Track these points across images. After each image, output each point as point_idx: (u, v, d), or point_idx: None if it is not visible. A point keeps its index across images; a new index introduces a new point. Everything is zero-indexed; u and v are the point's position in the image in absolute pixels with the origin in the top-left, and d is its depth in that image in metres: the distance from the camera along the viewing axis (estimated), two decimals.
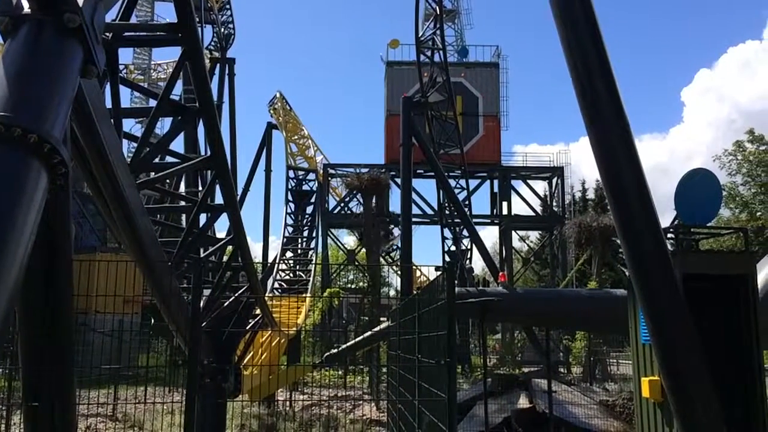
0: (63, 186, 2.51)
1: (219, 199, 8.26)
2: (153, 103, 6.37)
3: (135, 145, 6.44)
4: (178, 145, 23.05)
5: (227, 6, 32.21)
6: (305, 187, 38.44)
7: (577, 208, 42.96)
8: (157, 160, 7.59)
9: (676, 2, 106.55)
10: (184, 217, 10.64)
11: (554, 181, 38.77)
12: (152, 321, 21.02)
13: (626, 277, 5.66)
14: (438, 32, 27.08)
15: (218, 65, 31.05)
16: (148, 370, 17.80)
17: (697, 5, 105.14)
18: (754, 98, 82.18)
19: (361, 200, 34.08)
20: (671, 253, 6.18)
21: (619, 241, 5.43)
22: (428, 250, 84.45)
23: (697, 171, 7.29)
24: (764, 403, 6.75)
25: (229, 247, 9.69)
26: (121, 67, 38.04)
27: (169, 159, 7.58)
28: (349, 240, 49.43)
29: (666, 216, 7.56)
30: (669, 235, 7.11)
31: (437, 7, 26.85)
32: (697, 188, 7.00)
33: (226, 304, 9.62)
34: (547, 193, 40.06)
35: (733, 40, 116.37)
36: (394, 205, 35.39)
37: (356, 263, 39.39)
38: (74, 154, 4.41)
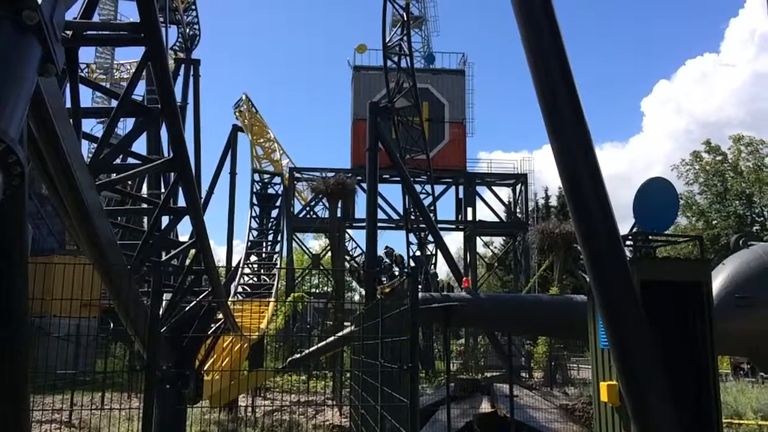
0: (19, 187, 2.45)
1: (182, 201, 8.16)
2: (115, 103, 6.27)
3: (96, 145, 6.32)
4: (140, 146, 22.67)
5: (193, 7, 31.85)
6: (270, 191, 38.15)
7: (540, 214, 43.57)
8: (118, 161, 7.46)
9: (638, 14, 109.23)
10: (146, 219, 10.49)
11: (518, 187, 39.26)
12: (111, 325, 20.58)
13: (586, 283, 5.77)
14: (405, 38, 27.23)
15: (183, 66, 30.67)
16: (106, 376, 17.43)
17: (657, 17, 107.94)
18: (711, 110, 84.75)
19: (327, 204, 34.01)
20: (630, 260, 6.32)
21: (580, 248, 5.52)
22: None
23: (654, 180, 7.47)
24: (718, 406, 6.94)
25: (192, 251, 9.56)
26: (82, 66, 37.14)
27: (131, 160, 7.47)
28: (315, 244, 49.30)
29: (626, 223, 7.75)
30: (628, 243, 7.28)
31: (404, 14, 26.99)
32: (655, 197, 7.17)
33: (187, 308, 9.49)
34: (511, 199, 40.56)
35: (691, 53, 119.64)
36: (360, 209, 35.48)
37: (321, 267, 39.26)
38: (31, 154, 4.31)
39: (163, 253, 9.33)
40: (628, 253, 6.99)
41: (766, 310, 9.05)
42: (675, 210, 7.94)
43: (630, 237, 7.29)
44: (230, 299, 22.54)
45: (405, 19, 27.00)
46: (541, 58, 5.28)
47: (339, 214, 34.05)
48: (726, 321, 8.51)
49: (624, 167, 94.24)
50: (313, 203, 37.60)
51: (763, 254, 9.62)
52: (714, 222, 35.59)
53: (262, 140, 39.55)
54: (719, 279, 9.42)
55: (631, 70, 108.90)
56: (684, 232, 33.40)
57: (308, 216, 37.88)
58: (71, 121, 4.89)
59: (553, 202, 52.41)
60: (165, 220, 8.42)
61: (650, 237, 7.43)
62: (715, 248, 32.36)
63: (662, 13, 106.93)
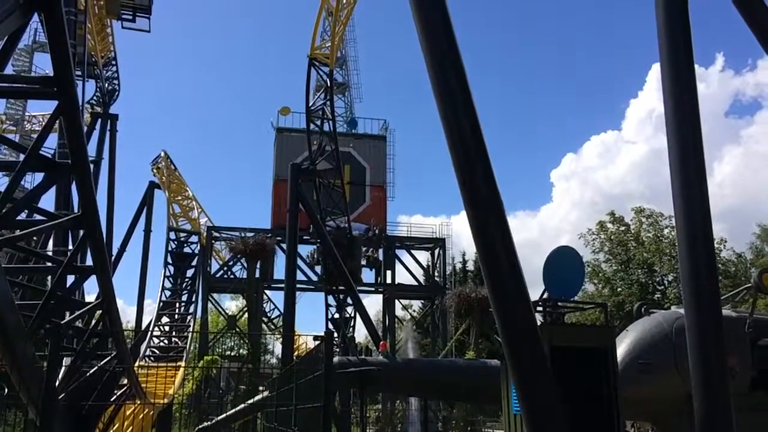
0: None
1: (90, 260, 7.82)
2: (23, 156, 6.03)
3: None
4: (49, 201, 21.66)
5: (113, 62, 31.37)
6: (187, 250, 37.20)
7: (458, 278, 44.29)
8: (23, 216, 7.12)
9: (546, 90, 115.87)
10: (50, 278, 9.96)
11: (436, 251, 39.91)
12: (5, 390, 19.02)
13: (501, 348, 5.90)
14: (328, 103, 27.74)
15: (99, 120, 29.87)
16: None
17: (564, 94, 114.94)
18: (614, 183, 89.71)
19: (245, 264, 33.35)
20: (540, 325, 6.51)
21: (493, 313, 5.65)
22: (312, 317, 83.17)
23: (562, 249, 7.80)
24: None
25: (98, 312, 9.10)
26: None
27: (37, 216, 7.14)
28: (231, 305, 47.93)
29: (537, 288, 7.99)
30: (538, 309, 7.51)
31: (328, 80, 27.60)
32: (563, 265, 7.48)
33: (89, 373, 8.96)
34: (430, 263, 41.08)
35: (596, 129, 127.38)
36: (279, 270, 34.94)
37: (237, 329, 38.09)
38: None
39: (67, 314, 8.84)
40: (539, 319, 7.21)
41: (666, 375, 9.46)
42: (581, 278, 8.30)
43: (540, 303, 7.52)
44: (137, 363, 21.41)
45: (328, 85, 27.59)
46: (457, 131, 5.52)
47: (257, 275, 33.43)
48: (630, 386, 8.82)
49: (535, 234, 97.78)
50: (231, 263, 36.77)
51: (663, 321, 10.12)
52: (619, 289, 37.16)
53: (180, 198, 38.74)
54: (623, 345, 9.81)
55: (542, 144, 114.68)
56: (591, 298, 34.68)
57: (225, 276, 36.94)
58: None
59: (470, 266, 53.41)
60: (71, 279, 8.03)
61: (559, 303, 7.70)
62: (620, 314, 33.69)
63: (569, 90, 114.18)
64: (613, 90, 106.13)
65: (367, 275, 39.79)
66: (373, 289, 40.61)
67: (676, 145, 5.83)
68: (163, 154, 38.13)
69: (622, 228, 38.78)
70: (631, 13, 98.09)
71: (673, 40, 5.98)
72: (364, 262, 32.64)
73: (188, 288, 36.19)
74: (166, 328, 33.65)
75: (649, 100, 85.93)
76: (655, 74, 75.46)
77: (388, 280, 38.72)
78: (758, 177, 72.93)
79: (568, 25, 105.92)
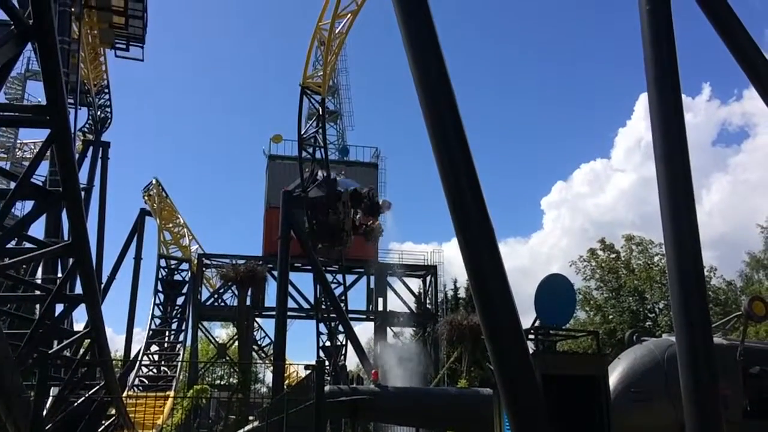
0: None
1: (80, 288, 7.76)
2: (14, 184, 6.03)
3: None
4: (39, 228, 21.56)
5: (106, 90, 31.51)
6: (177, 277, 37.00)
7: (449, 306, 44.12)
8: (13, 244, 7.08)
9: (538, 121, 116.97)
10: (38, 307, 9.87)
11: (428, 279, 39.81)
12: None
13: (493, 376, 5.88)
14: (320, 131, 27.86)
15: (91, 148, 29.90)
16: None
17: (556, 124, 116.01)
18: (604, 210, 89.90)
19: (236, 292, 33.14)
20: (532, 354, 6.49)
21: (485, 341, 5.66)
22: (303, 345, 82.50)
23: (553, 276, 7.82)
24: None
25: (87, 341, 9.01)
26: None
27: (27, 244, 7.11)
28: (222, 333, 47.52)
29: (529, 316, 7.98)
30: (530, 337, 7.49)
31: (320, 108, 27.78)
32: (554, 292, 7.48)
33: (77, 403, 8.83)
34: (421, 290, 40.96)
35: (585, 157, 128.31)
36: (270, 298, 34.75)
37: (227, 358, 37.70)
38: None
39: (55, 343, 8.75)
40: (530, 347, 7.18)
41: (658, 404, 9.43)
42: (573, 305, 8.29)
43: (532, 331, 7.51)
44: (126, 393, 21.15)
45: (320, 113, 27.76)
46: (448, 159, 5.58)
47: (248, 302, 33.22)
48: (622, 415, 8.78)
49: (526, 261, 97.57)
50: (221, 290, 36.56)
51: (655, 349, 10.11)
52: (610, 317, 37.10)
53: (171, 225, 38.64)
54: (615, 373, 9.78)
55: (532, 171, 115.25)
56: (583, 326, 34.60)
57: (216, 304, 36.67)
58: None
59: (462, 293, 53.12)
60: (59, 308, 7.97)
61: (551, 331, 7.69)
62: (612, 342, 33.59)
63: (558, 118, 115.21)
64: (602, 118, 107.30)
65: (359, 303, 39.63)
66: (364, 317, 40.41)
67: (665, 173, 5.91)
68: (154, 182, 38.13)
69: (613, 255, 38.87)
70: (618, 42, 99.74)
71: (661, 70, 6.10)
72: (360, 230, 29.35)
73: (178, 316, 35.93)
74: (156, 357, 33.33)
75: (637, 129, 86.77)
76: (643, 103, 76.21)
77: (380, 308, 38.55)
78: (746, 205, 73.46)
79: (558, 55, 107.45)
